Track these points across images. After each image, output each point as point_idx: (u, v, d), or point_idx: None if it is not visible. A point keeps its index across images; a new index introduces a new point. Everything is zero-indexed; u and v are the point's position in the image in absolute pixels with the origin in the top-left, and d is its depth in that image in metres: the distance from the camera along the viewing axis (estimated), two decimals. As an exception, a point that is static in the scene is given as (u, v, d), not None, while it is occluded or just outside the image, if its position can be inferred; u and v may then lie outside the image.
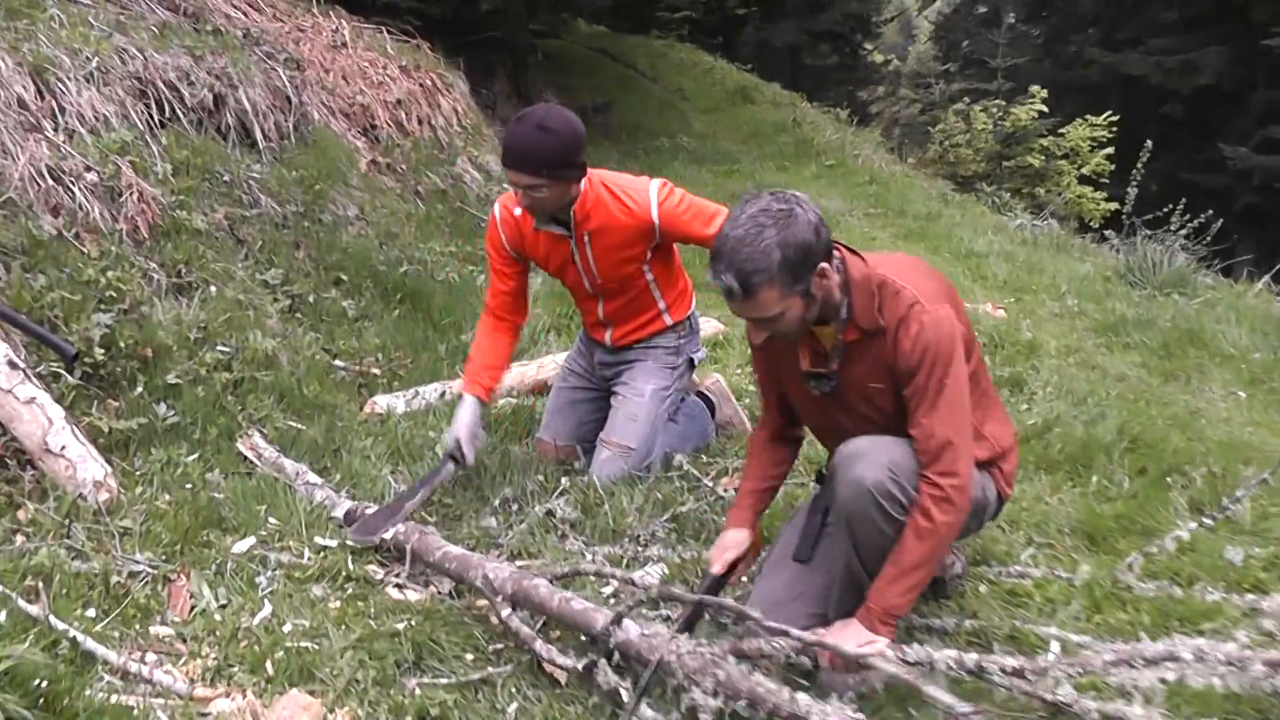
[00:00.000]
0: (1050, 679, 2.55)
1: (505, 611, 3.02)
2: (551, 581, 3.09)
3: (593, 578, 3.23)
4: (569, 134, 3.62)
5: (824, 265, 2.67)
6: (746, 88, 17.16)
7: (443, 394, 4.67)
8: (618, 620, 2.71)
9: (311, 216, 5.41)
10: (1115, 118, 17.78)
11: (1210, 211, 11.93)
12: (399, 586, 3.35)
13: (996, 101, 18.99)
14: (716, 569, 3.07)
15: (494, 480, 3.96)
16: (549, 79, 12.84)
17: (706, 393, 4.39)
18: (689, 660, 2.65)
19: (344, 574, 3.34)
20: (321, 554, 3.44)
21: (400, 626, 3.06)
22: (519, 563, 3.49)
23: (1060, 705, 2.43)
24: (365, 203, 5.95)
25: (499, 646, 3.02)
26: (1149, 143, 13.37)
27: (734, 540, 3.11)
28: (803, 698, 2.49)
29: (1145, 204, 12.58)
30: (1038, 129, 18.26)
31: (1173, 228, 11.66)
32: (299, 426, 4.24)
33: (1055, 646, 3.00)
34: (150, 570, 3.23)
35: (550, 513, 3.77)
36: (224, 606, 3.15)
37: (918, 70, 24.23)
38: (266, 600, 3.18)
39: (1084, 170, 18.11)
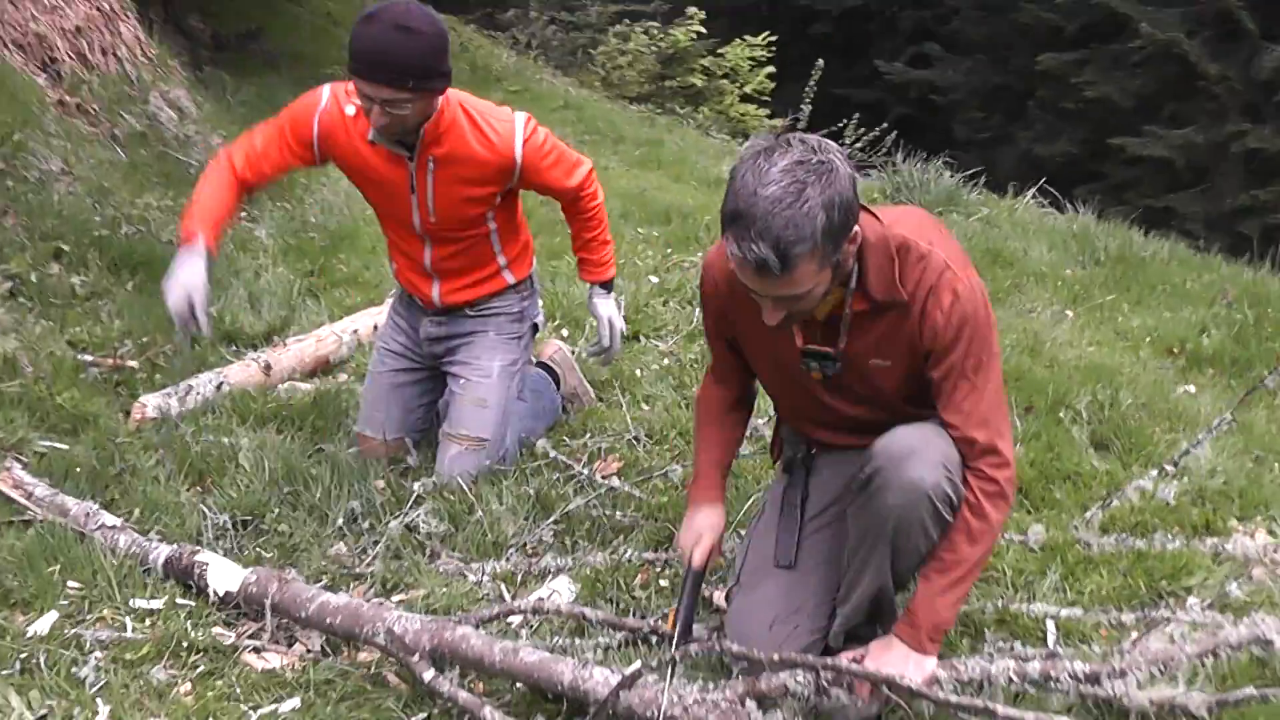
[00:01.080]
0: (1131, 678, 2.30)
1: (429, 674, 2.44)
2: (477, 627, 2.54)
3: (531, 615, 2.69)
4: (436, 34, 2.95)
5: (856, 228, 2.18)
6: (401, 8, 16.11)
7: (219, 385, 3.89)
8: (628, 683, 2.19)
9: (15, 175, 4.38)
10: (774, 38, 18.15)
11: (885, 124, 12.42)
12: (257, 651, 2.68)
13: (654, 23, 18.91)
14: (698, 561, 2.60)
15: (330, 494, 3.27)
16: (191, 3, 11.51)
17: (550, 363, 3.84)
18: (706, 714, 2.21)
19: (185, 644, 2.64)
20: (148, 621, 2.72)
21: (285, 710, 2.44)
22: (397, 597, 2.90)
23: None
24: (68, 153, 4.92)
25: (423, 716, 2.44)
26: (821, 61, 13.71)
27: (708, 523, 2.65)
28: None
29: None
30: (698, 50, 18.35)
31: (847, 140, 12.04)
32: (62, 447, 3.40)
33: (1051, 627, 2.75)
34: (-73, 680, 2.43)
35: (411, 527, 3.16)
36: (43, 718, 2.39)
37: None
38: (99, 699, 2.45)
39: (746, 89, 18.41)
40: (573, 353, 4.02)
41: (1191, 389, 4.36)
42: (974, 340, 2.26)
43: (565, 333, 4.68)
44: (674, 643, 2.49)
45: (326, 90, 3.23)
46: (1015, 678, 2.30)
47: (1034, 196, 7.44)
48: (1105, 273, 5.84)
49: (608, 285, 3.56)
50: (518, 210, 3.46)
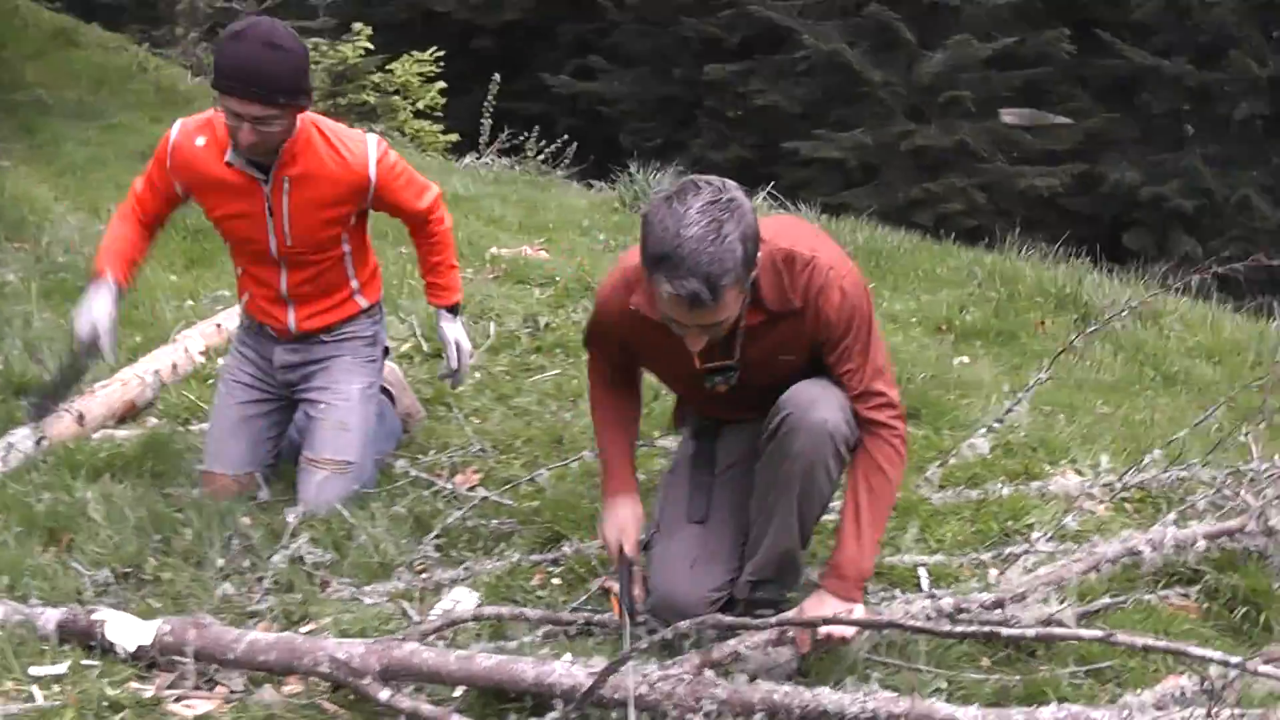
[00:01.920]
0: (1031, 605, 2.63)
1: (385, 694, 2.48)
2: (421, 641, 2.61)
3: (472, 624, 2.76)
4: (302, 52, 3.04)
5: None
6: (67, 29, 15.12)
7: (40, 439, 3.69)
8: (613, 668, 2.32)
9: None
10: (441, 53, 18.19)
11: (566, 136, 12.82)
12: (179, 699, 2.62)
13: (321, 39, 18.53)
14: (630, 550, 2.78)
15: (201, 536, 3.20)
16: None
17: (385, 385, 3.87)
18: (674, 689, 2.37)
19: (105, 703, 2.54)
20: (57, 687, 2.59)
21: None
22: (304, 629, 2.89)
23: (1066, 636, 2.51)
24: None
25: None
26: (497, 76, 13.97)
27: (629, 514, 2.84)
28: (826, 692, 2.34)
29: (475, 132, 13.20)
30: (366, 66, 18.14)
31: (530, 153, 12.39)
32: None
33: (923, 574, 3.08)
34: None
35: (299, 559, 3.15)
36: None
37: (217, 6, 22.85)
38: (35, 771, 2.35)
39: (419, 105, 18.35)
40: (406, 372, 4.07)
41: (966, 360, 4.87)
42: (860, 325, 2.56)
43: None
44: (626, 631, 2.65)
45: (176, 125, 3.23)
46: (931, 613, 2.59)
47: (764, 198, 7.92)
48: (859, 264, 6.32)
49: (454, 309, 3.64)
50: (366, 235, 3.51)
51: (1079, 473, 3.64)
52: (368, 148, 3.24)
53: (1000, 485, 3.51)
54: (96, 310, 3.18)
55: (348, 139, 3.23)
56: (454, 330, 3.65)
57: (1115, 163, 13.83)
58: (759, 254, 2.40)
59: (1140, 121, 14.25)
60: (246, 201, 3.22)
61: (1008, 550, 3.14)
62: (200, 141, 3.17)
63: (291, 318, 3.44)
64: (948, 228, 11.63)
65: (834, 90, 14.79)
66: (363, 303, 3.51)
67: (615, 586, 2.90)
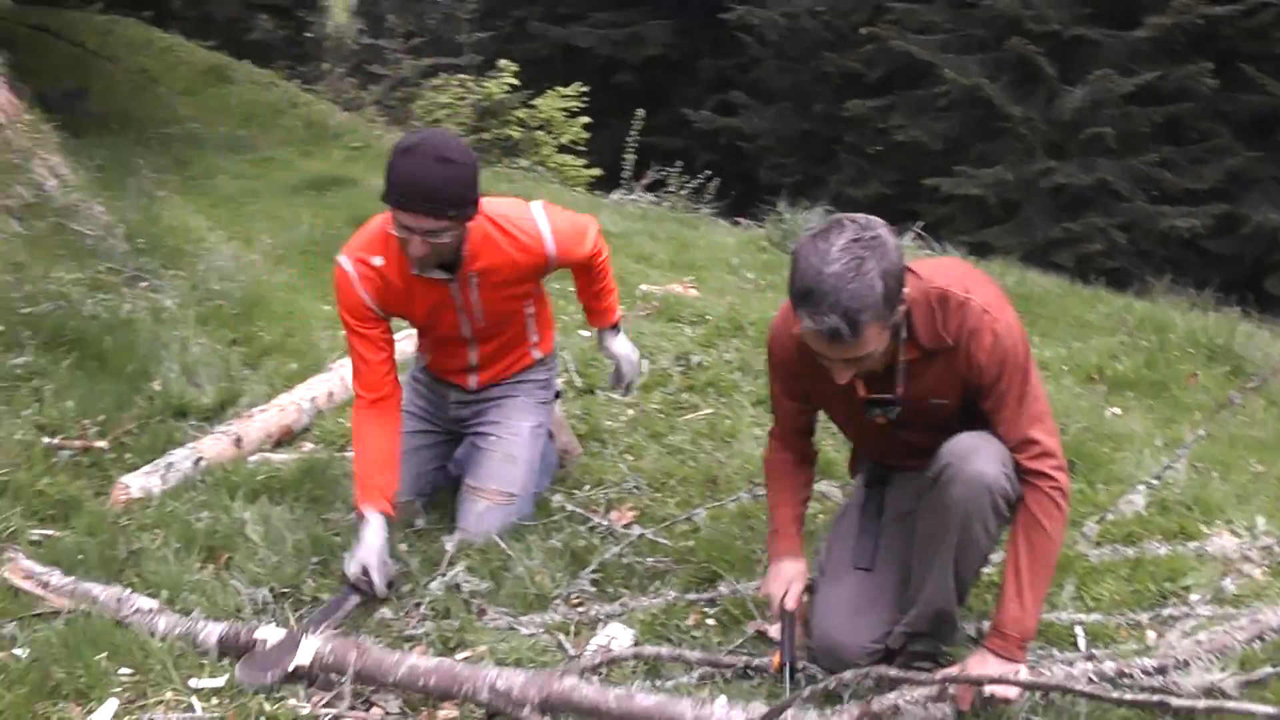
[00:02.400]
0: (1194, 672, 2.50)
1: (542, 726, 2.45)
2: (581, 676, 2.57)
3: (629, 662, 2.72)
4: (470, 163, 3.00)
5: (905, 289, 2.40)
6: (219, 66, 15.75)
7: (198, 460, 3.77)
8: (775, 713, 2.25)
9: (-74, 254, 4.17)
10: (585, 89, 18.42)
11: (709, 171, 12.83)
12: (336, 719, 2.62)
13: (467, 75, 18.96)
14: (791, 604, 2.75)
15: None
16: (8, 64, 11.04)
17: (546, 424, 3.87)
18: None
19: (262, 717, 2.57)
20: (214, 700, 2.62)
21: (397, 778, 2.41)
22: (460, 655, 2.88)
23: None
24: (-27, 230, 4.70)
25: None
26: (641, 111, 14.06)
27: (795, 570, 2.83)
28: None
29: (616, 166, 13.27)
30: (511, 102, 18.47)
31: (671, 188, 12.40)
32: (55, 534, 3.25)
33: (1080, 633, 2.96)
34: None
35: (456, 586, 3.14)
36: (140, 809, 2.30)
37: (367, 44, 23.62)
38: (193, 782, 2.37)
39: (563, 139, 18.58)
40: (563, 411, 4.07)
41: (1118, 411, 4.70)
42: (1014, 372, 2.50)
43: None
44: (787, 682, 2.61)
45: (346, 262, 3.19)
46: (1094, 677, 2.48)
47: (913, 238, 7.80)
48: (1011, 308, 6.22)
49: (617, 327, 3.66)
50: (544, 290, 3.54)
51: (1235, 534, 3.46)
52: (540, 225, 3.24)
53: (1157, 544, 3.38)
54: (365, 545, 3.08)
55: (518, 220, 3.23)
56: (621, 345, 3.67)
57: (1257, 203, 13.34)
58: (907, 290, 2.39)
59: (1284, 160, 13.73)
60: (437, 301, 3.24)
61: (1166, 612, 3.00)
62: (378, 261, 3.17)
63: (474, 380, 3.50)
64: (1088, 268, 11.34)
65: (974, 126, 14.53)
66: (538, 355, 3.56)
67: (774, 632, 2.84)
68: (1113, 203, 13.39)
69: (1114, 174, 13.14)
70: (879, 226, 2.35)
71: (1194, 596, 3.10)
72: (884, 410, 2.63)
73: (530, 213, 3.26)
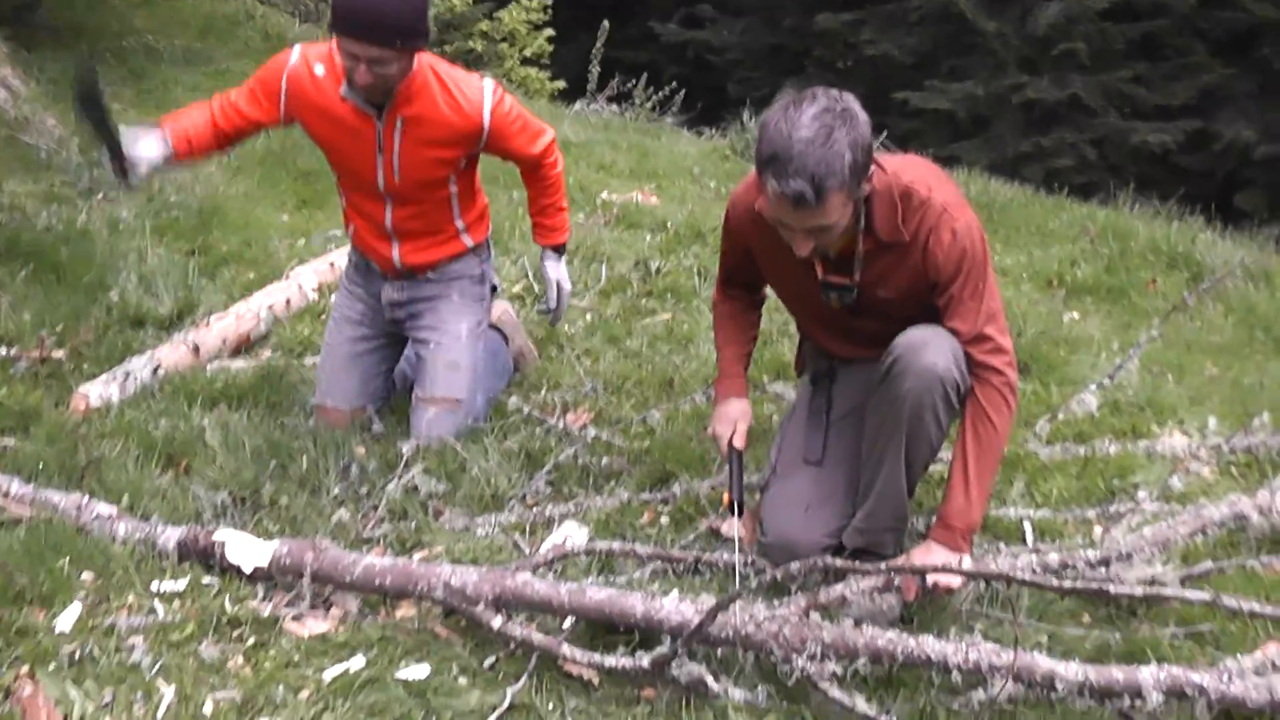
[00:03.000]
0: (1136, 564, 2.57)
1: (497, 621, 2.49)
2: (534, 572, 2.61)
3: (583, 558, 2.77)
4: None
5: (873, 168, 2.42)
6: (174, -24, 15.40)
7: (156, 369, 3.77)
8: (722, 606, 2.30)
9: None
10: (549, 1, 18.12)
11: (674, 83, 12.69)
12: (296, 619, 2.66)
13: (428, -12, 18.51)
14: (739, 442, 2.82)
15: (318, 464, 3.25)
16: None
17: (499, 325, 3.88)
18: (780, 630, 2.34)
19: (225, 619, 2.60)
20: (176, 603, 2.65)
21: (355, 668, 2.45)
22: (417, 555, 2.92)
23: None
24: (-77, 145, 4.62)
25: (492, 659, 2.49)
26: (606, 23, 13.87)
27: (740, 409, 2.91)
28: (930, 640, 2.31)
29: (582, 79, 13.12)
30: (474, 14, 18.16)
31: (638, 100, 12.26)
32: (15, 444, 3.26)
33: (1028, 528, 3.03)
34: (-35, 686, 2.34)
35: (413, 488, 3.17)
36: (108, 706, 2.33)
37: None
38: (160, 681, 2.40)
39: (526, 53, 18.32)
40: (518, 313, 4.08)
41: (1076, 316, 4.76)
42: (971, 270, 2.54)
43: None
44: (735, 527, 2.71)
45: (296, 50, 3.22)
46: (1037, 568, 2.54)
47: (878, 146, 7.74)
48: (973, 216, 6.23)
49: (560, 249, 3.64)
50: (475, 176, 3.49)
51: (1186, 434, 3.56)
52: (484, 94, 3.21)
53: (1108, 443, 3.45)
54: (143, 150, 3.11)
55: (464, 84, 3.20)
56: (557, 270, 3.65)
57: (1230, 120, 13.31)
58: (871, 179, 2.42)
59: (1258, 77, 13.67)
60: (357, 135, 3.21)
61: (1113, 508, 3.09)
62: (320, 71, 3.16)
63: (396, 252, 3.44)
64: (1058, 183, 11.32)
65: (945, 41, 14.39)
66: (468, 242, 3.51)
67: (723, 526, 2.90)
68: (1084, 118, 13.34)
69: (1086, 90, 13.06)
70: (850, 100, 2.36)
71: (1141, 494, 3.19)
72: (839, 294, 2.66)
73: (479, 83, 3.24)
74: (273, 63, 3.24)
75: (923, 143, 13.48)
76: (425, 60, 3.16)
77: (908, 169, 2.56)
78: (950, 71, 14.24)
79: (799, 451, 2.86)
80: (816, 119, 2.29)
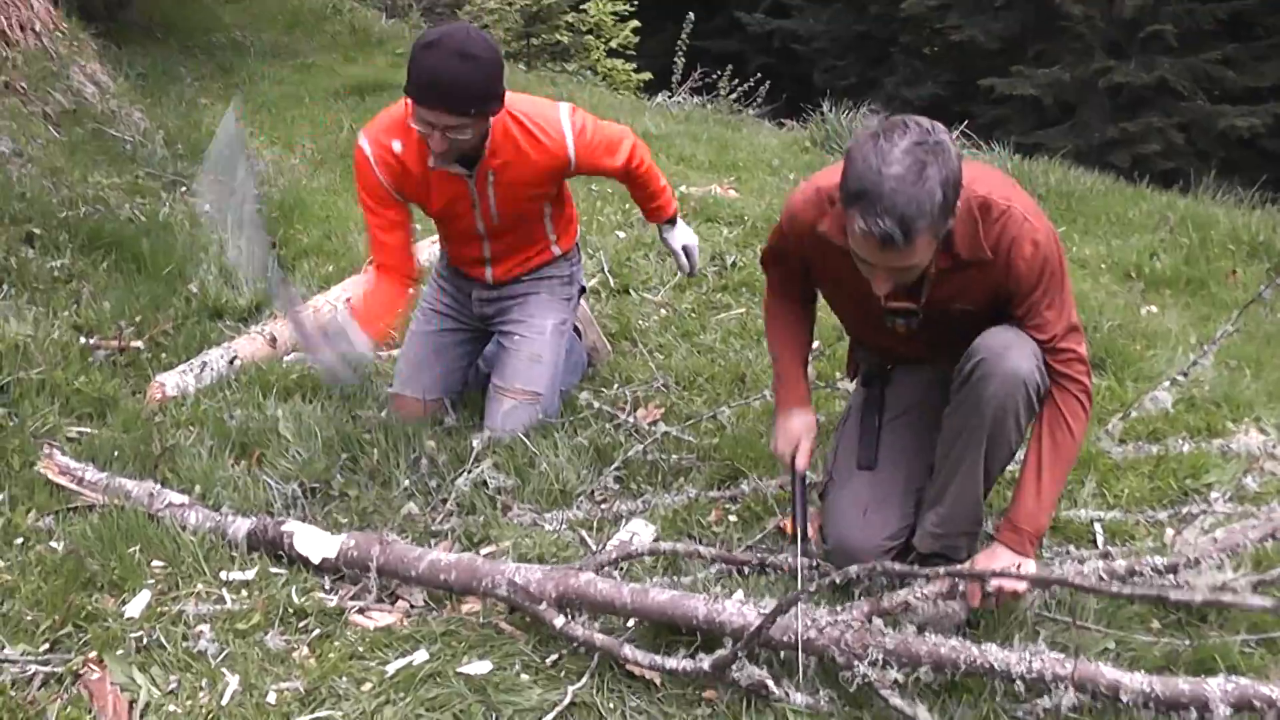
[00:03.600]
0: (1205, 570, 2.48)
1: (559, 620, 2.48)
2: (598, 571, 2.59)
3: (648, 557, 2.75)
4: (494, 59, 2.96)
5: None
6: (263, -29, 15.69)
7: (233, 360, 3.82)
8: (782, 610, 2.26)
9: (-33, 156, 4.23)
10: (634, -9, 18.05)
11: (759, 74, 12.60)
12: (362, 611, 2.68)
13: (516, -22, 18.63)
14: (801, 464, 2.73)
15: (388, 457, 3.27)
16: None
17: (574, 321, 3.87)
18: (842, 635, 2.30)
19: (291, 610, 2.63)
20: (245, 592, 2.69)
21: (418, 661, 2.45)
22: (484, 550, 2.92)
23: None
24: (14, 133, 4.72)
25: (554, 656, 2.47)
26: (691, 15, 13.84)
27: (803, 424, 2.79)
28: (992, 649, 2.24)
29: (668, 70, 13.07)
30: (560, 6, 18.20)
31: (722, 93, 12.19)
32: (92, 431, 3.32)
33: (1099, 530, 2.96)
34: (41, 669, 2.38)
35: (482, 483, 3.17)
36: (173, 693, 2.37)
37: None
38: (225, 670, 2.43)
39: (612, 44, 18.33)
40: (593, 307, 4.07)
41: (1154, 309, 4.63)
42: (1051, 280, 2.45)
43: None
44: (798, 544, 2.63)
45: (363, 140, 3.21)
46: (1104, 574, 2.46)
47: (957, 137, 7.65)
48: (1049, 207, 6.10)
49: (673, 220, 3.62)
50: (564, 188, 3.50)
51: (1263, 431, 3.44)
52: (563, 126, 3.19)
53: (1181, 441, 3.35)
54: (355, 348, 3.13)
55: (542, 120, 3.18)
56: (679, 238, 3.63)
57: (1320, 101, 12.96)
58: (958, 202, 2.30)
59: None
60: (454, 196, 3.23)
61: (1185, 510, 3.00)
62: (398, 147, 3.16)
63: (490, 273, 3.48)
64: (1144, 169, 11.09)
65: (1032, 25, 14.19)
66: (557, 251, 3.52)
67: (788, 525, 2.86)
68: (1171, 102, 13.08)
69: (1174, 73, 12.81)
70: (941, 132, 2.24)
71: (1215, 494, 3.09)
72: (906, 319, 2.59)
73: (557, 114, 3.21)
74: (359, 169, 3.23)
75: (1008, 130, 13.27)
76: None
77: (980, 179, 2.45)
78: (1036, 56, 14.03)
79: (853, 457, 2.81)
80: (909, 153, 2.17)
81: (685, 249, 3.62)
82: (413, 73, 2.91)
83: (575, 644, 2.46)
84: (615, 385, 3.81)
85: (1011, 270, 2.42)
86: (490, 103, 2.99)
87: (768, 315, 2.97)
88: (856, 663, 2.27)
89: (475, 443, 3.30)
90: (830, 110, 7.79)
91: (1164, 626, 2.60)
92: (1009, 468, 2.88)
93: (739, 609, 2.39)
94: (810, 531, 2.79)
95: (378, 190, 3.22)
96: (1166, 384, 3.55)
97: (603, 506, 3.13)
